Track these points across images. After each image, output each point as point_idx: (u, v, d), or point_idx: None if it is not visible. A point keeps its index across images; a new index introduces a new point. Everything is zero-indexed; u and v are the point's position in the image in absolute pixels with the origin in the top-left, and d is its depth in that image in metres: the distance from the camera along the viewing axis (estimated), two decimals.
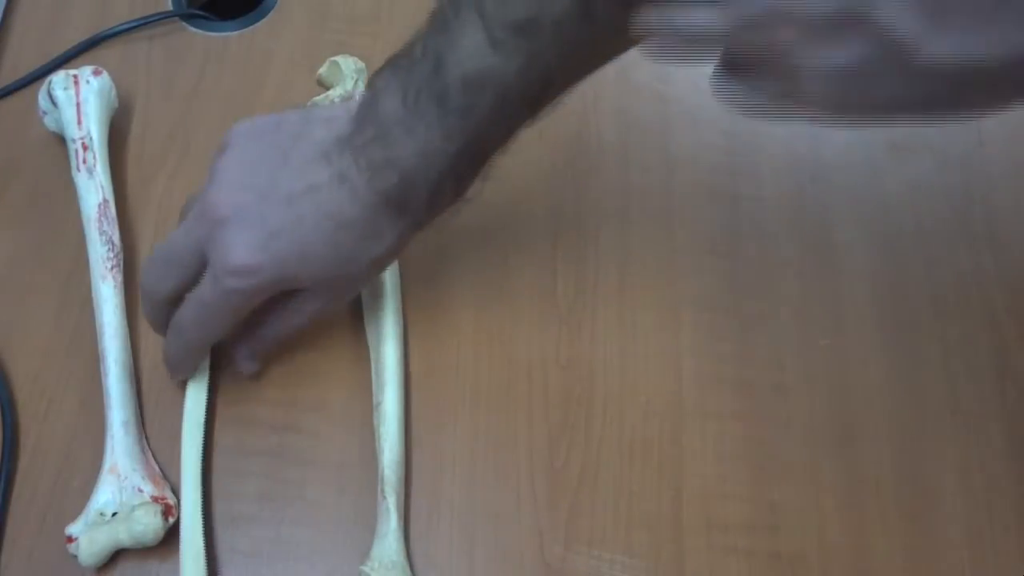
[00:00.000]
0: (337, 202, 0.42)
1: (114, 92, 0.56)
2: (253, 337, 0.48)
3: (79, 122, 0.54)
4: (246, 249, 0.42)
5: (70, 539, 0.45)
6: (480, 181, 0.45)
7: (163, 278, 0.45)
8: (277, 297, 0.45)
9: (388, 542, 0.44)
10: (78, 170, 0.53)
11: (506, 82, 0.41)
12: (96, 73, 0.55)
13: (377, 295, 0.51)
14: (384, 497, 0.45)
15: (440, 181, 0.43)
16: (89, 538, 0.45)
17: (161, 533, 0.45)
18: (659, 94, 0.60)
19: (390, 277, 0.51)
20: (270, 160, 0.43)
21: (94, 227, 0.52)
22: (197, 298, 0.44)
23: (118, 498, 0.46)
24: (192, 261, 0.44)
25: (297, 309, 0.46)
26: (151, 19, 0.62)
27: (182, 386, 0.49)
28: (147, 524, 0.45)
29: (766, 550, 0.47)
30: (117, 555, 0.46)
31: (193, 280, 0.45)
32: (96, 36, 0.61)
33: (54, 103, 0.54)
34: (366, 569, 0.44)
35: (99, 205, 0.52)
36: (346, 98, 0.53)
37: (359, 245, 0.44)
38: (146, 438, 0.49)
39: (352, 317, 0.52)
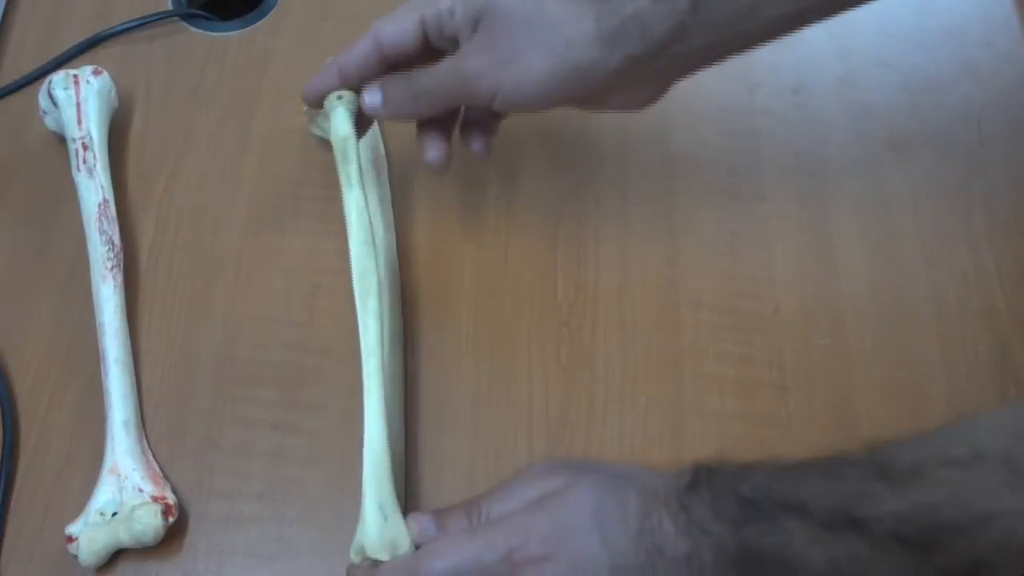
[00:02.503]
0: None
1: (114, 92, 0.56)
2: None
3: (79, 122, 0.54)
4: None
5: (70, 539, 0.45)
6: None
7: None
8: None
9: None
10: (78, 170, 0.53)
11: None
12: (96, 73, 0.55)
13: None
14: None
15: None
16: (89, 538, 0.45)
17: (161, 533, 0.45)
18: None
19: (390, 276, 0.51)
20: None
21: (94, 227, 0.52)
22: None
23: (118, 498, 0.46)
24: None
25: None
26: (151, 19, 0.62)
27: None
28: (147, 524, 0.45)
29: None
30: (117, 555, 0.46)
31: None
32: (96, 36, 0.61)
33: (54, 103, 0.54)
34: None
35: (99, 205, 0.52)
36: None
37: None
38: (146, 438, 0.49)
39: (352, 317, 0.52)
